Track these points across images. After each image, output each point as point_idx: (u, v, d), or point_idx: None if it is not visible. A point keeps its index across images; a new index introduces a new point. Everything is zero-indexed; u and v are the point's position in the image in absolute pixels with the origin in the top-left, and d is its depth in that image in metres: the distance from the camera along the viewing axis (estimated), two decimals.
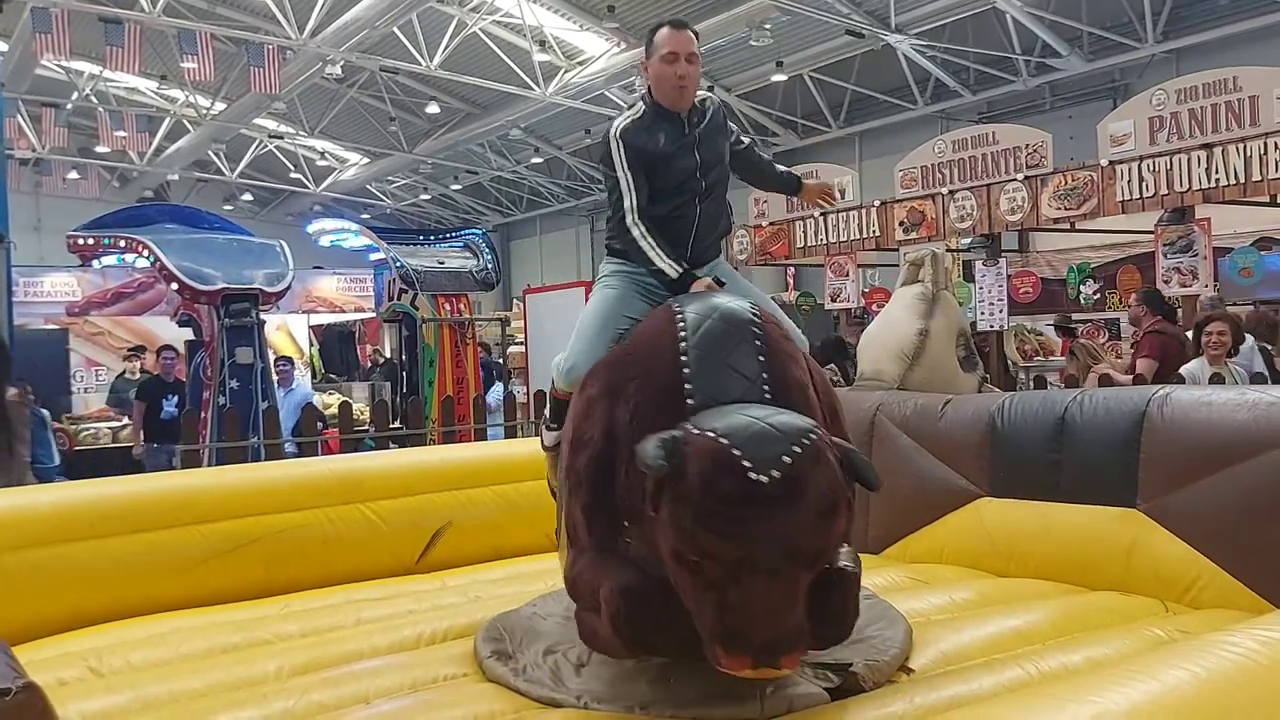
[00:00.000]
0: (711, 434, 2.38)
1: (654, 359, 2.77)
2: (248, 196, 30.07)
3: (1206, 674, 1.58)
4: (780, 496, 2.27)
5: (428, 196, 30.17)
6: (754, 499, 2.27)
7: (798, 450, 2.31)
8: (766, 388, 2.63)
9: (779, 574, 2.29)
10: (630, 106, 3.42)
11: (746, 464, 2.28)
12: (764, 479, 2.26)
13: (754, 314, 2.78)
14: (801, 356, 2.89)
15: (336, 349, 16.77)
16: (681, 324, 2.77)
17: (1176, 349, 6.95)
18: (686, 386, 2.63)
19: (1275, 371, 7.15)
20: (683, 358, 2.69)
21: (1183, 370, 6.61)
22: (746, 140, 3.74)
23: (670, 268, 3.19)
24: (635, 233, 3.21)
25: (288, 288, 9.52)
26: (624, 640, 2.62)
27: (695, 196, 3.30)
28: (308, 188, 27.85)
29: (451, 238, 10.65)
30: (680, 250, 3.26)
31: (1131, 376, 6.98)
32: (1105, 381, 6.83)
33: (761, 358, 2.67)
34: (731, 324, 2.74)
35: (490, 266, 10.32)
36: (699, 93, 3.40)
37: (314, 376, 16.11)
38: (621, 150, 3.23)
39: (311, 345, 17.73)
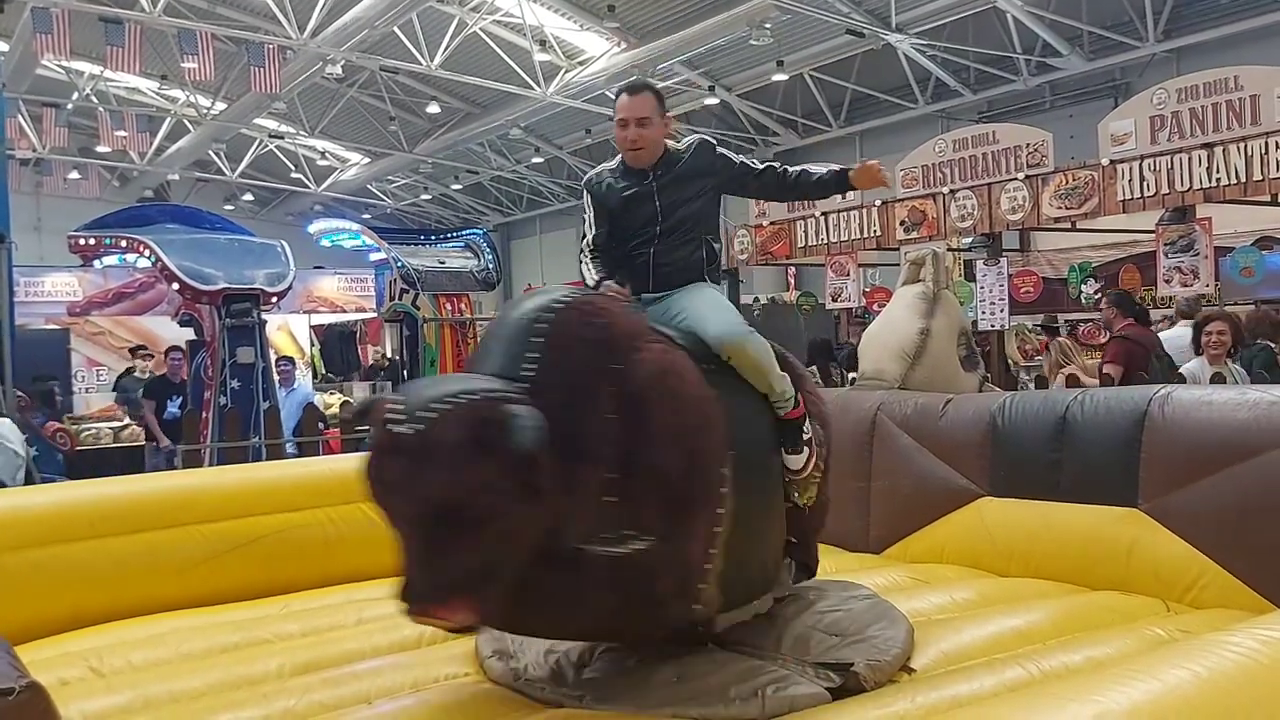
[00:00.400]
0: (395, 394, 2.59)
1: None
2: (248, 196, 30.08)
3: (1207, 674, 1.58)
4: (411, 447, 2.37)
5: (428, 196, 30.18)
6: (392, 448, 2.41)
7: (441, 407, 2.41)
8: (529, 366, 2.68)
9: (413, 524, 2.42)
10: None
11: (393, 417, 2.42)
12: (402, 430, 2.39)
13: (554, 303, 2.84)
14: (601, 346, 2.83)
15: (337, 349, 16.76)
16: (497, 317, 3.05)
17: (1142, 355, 6.95)
18: (467, 366, 2.91)
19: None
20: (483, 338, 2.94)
21: (1184, 369, 6.60)
22: (760, 166, 3.75)
23: (590, 277, 3.45)
24: (583, 262, 3.51)
25: (289, 288, 9.51)
26: None
27: (653, 239, 3.47)
28: (308, 188, 27.86)
29: (452, 238, 10.65)
30: (640, 283, 3.49)
31: (1097, 380, 7.00)
32: (1071, 382, 6.85)
33: (537, 339, 2.73)
34: (521, 311, 2.86)
35: (491, 266, 10.32)
36: (687, 139, 3.59)
37: (315, 376, 16.11)
38: (586, 196, 3.60)
39: (312, 345, 17.73)
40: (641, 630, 3.00)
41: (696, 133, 3.81)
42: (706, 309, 3.37)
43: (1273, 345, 7.51)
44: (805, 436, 3.39)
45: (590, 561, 2.64)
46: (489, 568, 2.47)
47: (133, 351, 13.60)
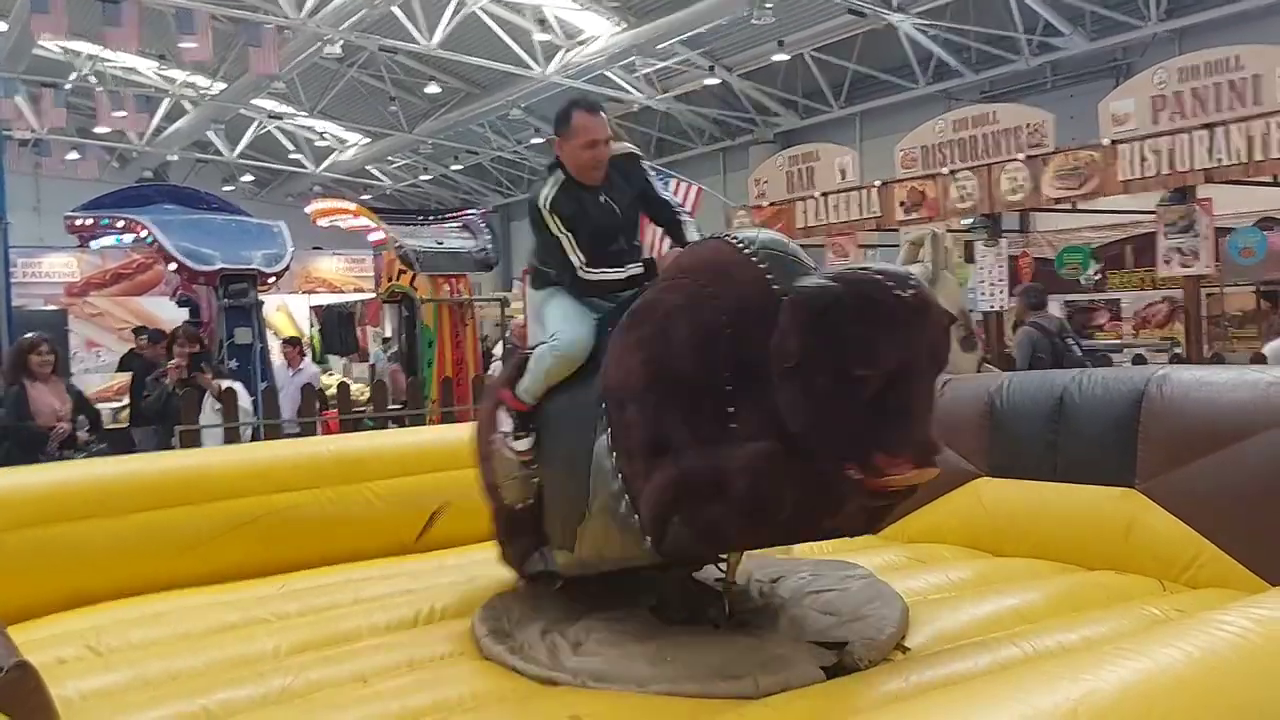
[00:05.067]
0: (853, 271, 2.79)
1: (725, 273, 3.03)
2: (247, 177, 29.99)
3: (1199, 652, 1.58)
4: (921, 310, 2.70)
5: (428, 177, 30.08)
6: (908, 314, 2.67)
7: (912, 282, 2.73)
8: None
9: (925, 377, 2.76)
10: (549, 176, 3.61)
11: (892, 287, 2.66)
12: (908, 296, 2.66)
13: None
14: None
15: (336, 330, 16.72)
16: (740, 243, 3.07)
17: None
18: (769, 277, 2.91)
19: None
20: (757, 263, 2.97)
21: (1265, 350, 6.56)
22: (663, 196, 3.81)
23: (634, 267, 3.49)
24: (593, 278, 3.48)
25: (286, 268, 9.50)
26: (759, 502, 2.79)
27: (626, 240, 3.61)
28: (307, 168, 27.77)
29: (450, 218, 10.61)
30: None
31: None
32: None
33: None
34: (771, 242, 3.07)
35: (489, 247, 10.29)
36: (619, 149, 3.63)
37: (314, 358, 16.09)
38: (555, 219, 3.51)
39: (312, 326, 17.71)
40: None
41: (633, 135, 3.93)
42: None
43: None
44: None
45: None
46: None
47: (136, 332, 13.58)
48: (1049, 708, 1.40)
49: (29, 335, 7.56)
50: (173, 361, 7.43)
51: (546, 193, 3.54)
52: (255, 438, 6.99)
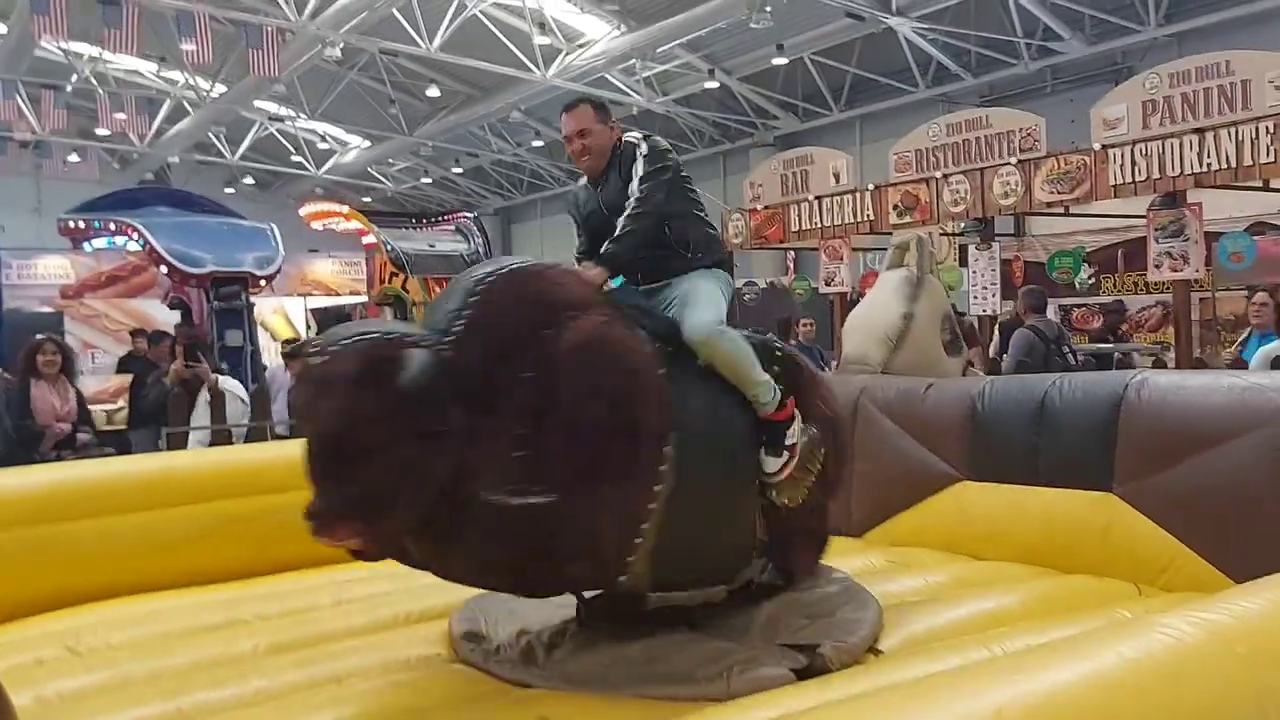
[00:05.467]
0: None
1: None
2: (248, 179, 30.04)
3: (1135, 654, 1.58)
4: (311, 375, 2.65)
5: (429, 180, 30.13)
6: (301, 377, 2.74)
7: (347, 343, 2.65)
8: (459, 323, 2.85)
9: (311, 446, 2.63)
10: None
11: (310, 351, 2.70)
12: (311, 362, 2.66)
13: (500, 269, 3.03)
14: (532, 311, 2.94)
15: None
16: None
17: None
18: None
19: None
20: None
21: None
22: (640, 191, 3.46)
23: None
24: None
25: (278, 271, 9.52)
26: None
27: (602, 241, 3.49)
28: (308, 171, 27.82)
29: (442, 221, 10.63)
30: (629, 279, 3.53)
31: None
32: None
33: (473, 298, 2.91)
34: (469, 274, 3.06)
35: (481, 249, 10.31)
36: (627, 137, 3.57)
37: None
38: (569, 213, 3.77)
39: (309, 328, 17.71)
40: (550, 587, 3.11)
41: (641, 130, 3.81)
42: (691, 302, 3.39)
43: None
44: (789, 441, 3.36)
45: (487, 509, 2.73)
46: (378, 498, 2.61)
47: (134, 334, 13.59)
48: (975, 710, 1.41)
49: (37, 336, 7.73)
50: (175, 364, 7.50)
51: (574, 187, 3.81)
52: (247, 439, 7.04)
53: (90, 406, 12.07)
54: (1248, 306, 6.81)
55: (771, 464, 3.34)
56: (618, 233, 3.34)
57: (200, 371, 7.32)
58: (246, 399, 7.27)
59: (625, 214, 3.37)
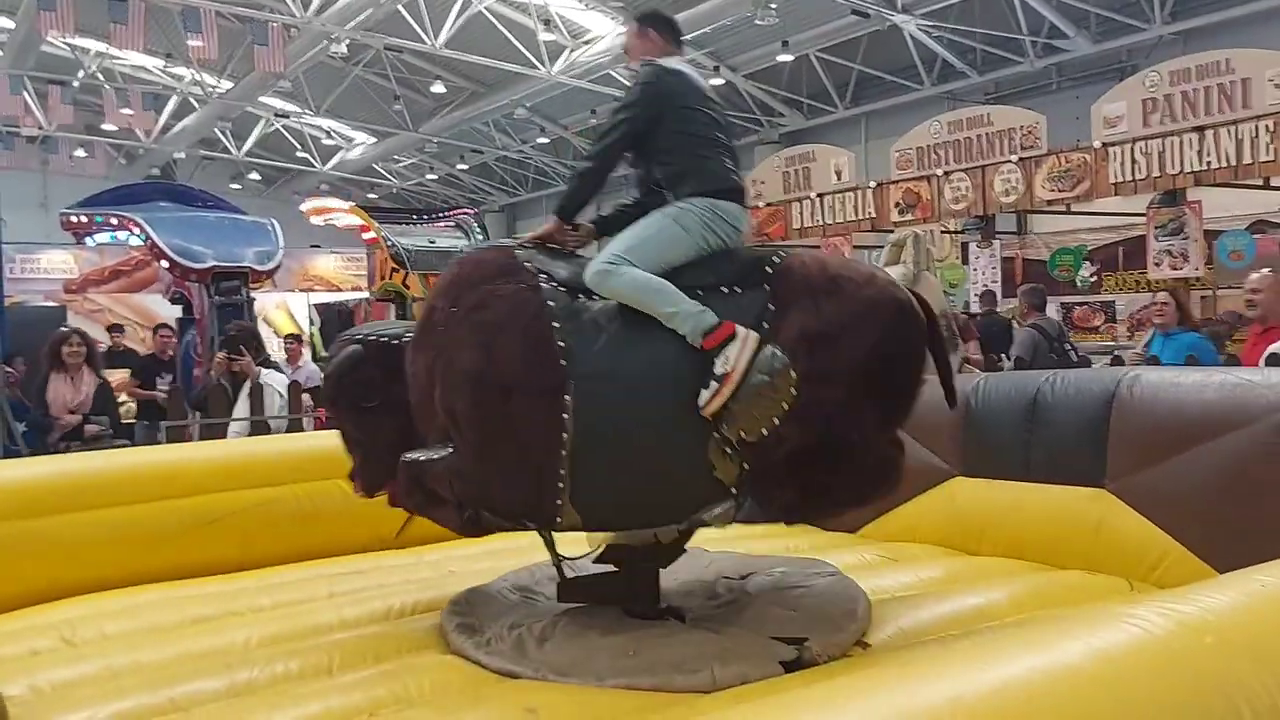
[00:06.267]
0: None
1: None
2: (254, 175, 30.10)
3: (1102, 645, 1.57)
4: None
5: (434, 176, 30.17)
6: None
7: (343, 342, 3.52)
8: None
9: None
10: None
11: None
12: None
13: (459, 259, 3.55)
14: (449, 292, 3.27)
15: (335, 328, 16.79)
16: None
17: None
18: None
19: None
20: None
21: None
22: (602, 141, 3.43)
23: None
24: None
25: (278, 266, 9.55)
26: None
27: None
28: (314, 167, 27.87)
29: (443, 217, 10.65)
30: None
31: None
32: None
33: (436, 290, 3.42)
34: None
35: (481, 246, 10.31)
36: (648, 64, 3.50)
37: (314, 356, 16.14)
38: None
39: (312, 324, 17.75)
40: (469, 526, 3.38)
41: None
42: (617, 244, 3.27)
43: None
44: (719, 370, 3.00)
45: (401, 468, 3.27)
46: (366, 460, 3.55)
47: (110, 330, 13.59)
48: (932, 697, 1.42)
49: (63, 329, 7.91)
50: (219, 356, 7.56)
51: None
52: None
53: None
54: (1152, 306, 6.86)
55: (701, 396, 3.01)
56: (566, 187, 3.49)
57: (244, 365, 7.40)
58: (284, 395, 7.32)
59: (596, 153, 3.40)
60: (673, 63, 3.52)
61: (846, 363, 3.03)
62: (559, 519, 3.12)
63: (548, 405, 3.01)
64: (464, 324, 3.12)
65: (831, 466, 3.08)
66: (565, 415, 3.00)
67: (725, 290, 3.18)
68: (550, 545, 3.45)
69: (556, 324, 3.08)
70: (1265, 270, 6.39)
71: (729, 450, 3.05)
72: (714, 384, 3.00)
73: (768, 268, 3.20)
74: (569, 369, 3.02)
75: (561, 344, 3.05)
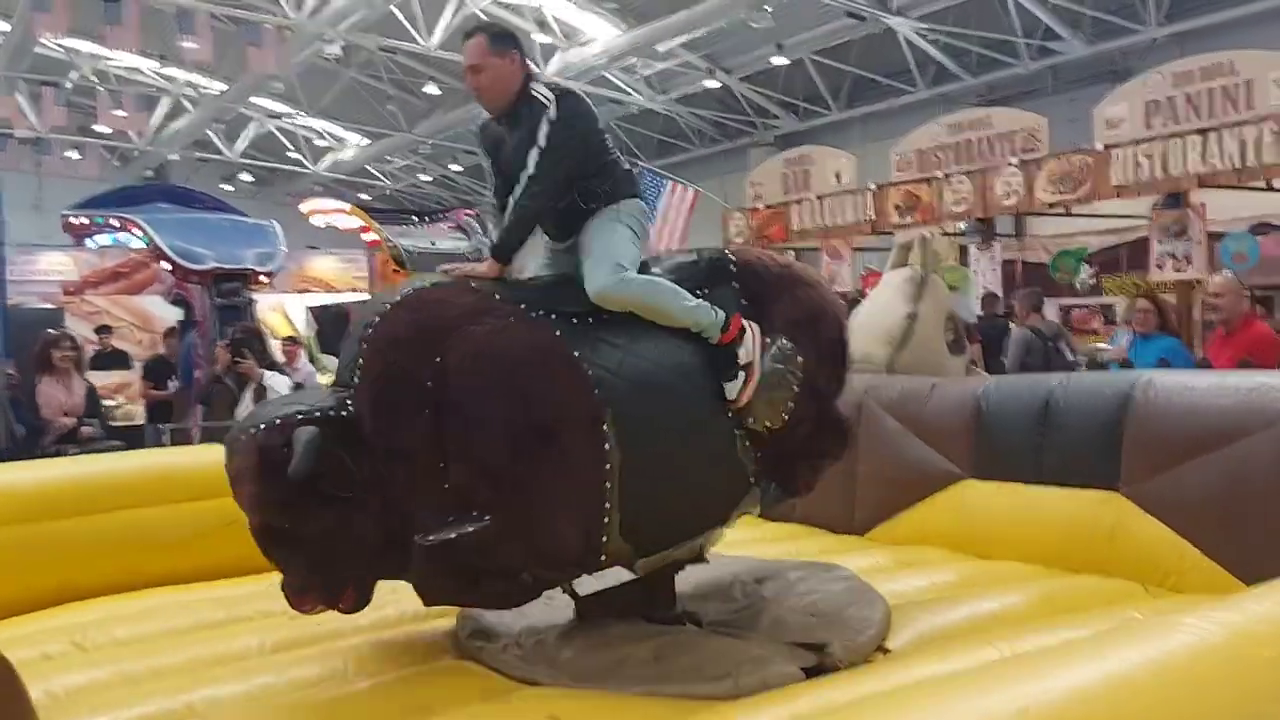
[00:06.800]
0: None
1: None
2: (247, 176, 30.01)
3: (1157, 654, 1.58)
4: (231, 473, 2.86)
5: (428, 178, 30.10)
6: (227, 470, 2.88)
7: (241, 436, 2.84)
8: (358, 374, 2.92)
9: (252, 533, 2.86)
10: None
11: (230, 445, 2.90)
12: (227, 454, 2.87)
13: (384, 305, 3.00)
14: (418, 343, 2.90)
15: (332, 330, 16.72)
16: None
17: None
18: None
19: None
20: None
21: None
22: (528, 166, 3.17)
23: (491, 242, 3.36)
24: (490, 220, 3.43)
25: (279, 267, 9.52)
26: None
27: (516, 184, 3.22)
28: (307, 168, 27.80)
29: (443, 218, 10.63)
30: (549, 232, 3.38)
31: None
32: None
33: (364, 345, 2.94)
34: (361, 317, 3.05)
35: (483, 247, 10.29)
36: (540, 91, 3.23)
37: (310, 358, 16.07)
38: (478, 143, 3.50)
39: (309, 326, 17.66)
40: (528, 594, 3.07)
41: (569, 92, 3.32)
42: (590, 260, 3.17)
43: None
44: (742, 361, 3.15)
45: (425, 552, 2.80)
46: (320, 565, 2.83)
47: (98, 331, 13.52)
48: (998, 708, 1.41)
49: (52, 331, 7.81)
50: (223, 357, 7.53)
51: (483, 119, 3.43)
52: None
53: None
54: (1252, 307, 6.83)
55: (730, 390, 3.14)
56: (506, 218, 3.19)
57: (246, 368, 7.37)
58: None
59: (519, 192, 3.14)
60: (563, 83, 3.43)
61: (824, 343, 3.37)
62: (604, 557, 3.00)
63: (589, 438, 2.90)
64: (472, 373, 2.84)
65: (827, 435, 3.42)
66: (607, 445, 2.91)
67: (698, 292, 3.24)
68: None
69: (576, 352, 2.97)
70: (1226, 274, 6.43)
71: (747, 442, 3.20)
72: (740, 375, 3.13)
73: (730, 266, 3.38)
74: (601, 395, 2.94)
75: (589, 371, 2.96)
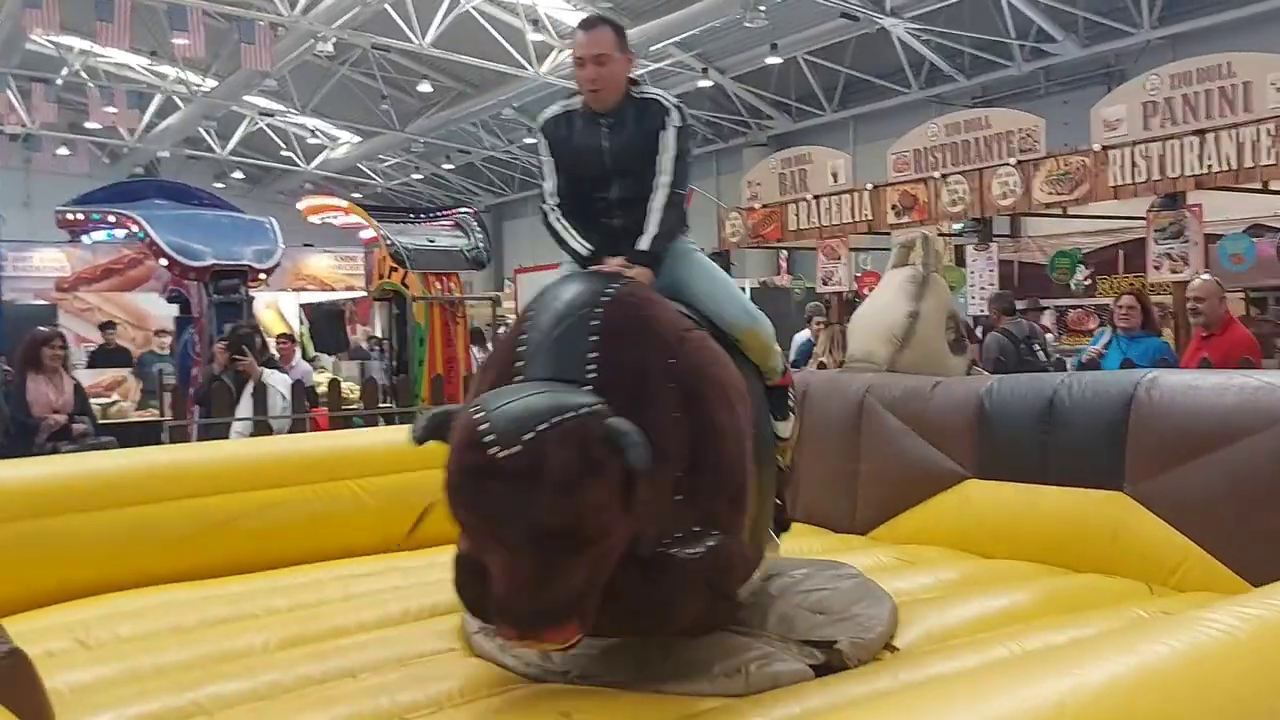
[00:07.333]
0: (474, 409, 2.46)
1: (506, 340, 2.92)
2: (238, 174, 29.94)
3: (1186, 649, 1.59)
4: (518, 471, 2.31)
5: (420, 176, 30.08)
6: (492, 472, 2.34)
7: (544, 427, 2.34)
8: (591, 368, 2.62)
9: (522, 548, 2.37)
10: (569, 96, 3.37)
11: (489, 439, 2.35)
12: (502, 453, 2.32)
13: (601, 296, 2.77)
14: (657, 341, 2.78)
15: (326, 328, 16.72)
16: (532, 308, 2.86)
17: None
18: (517, 364, 2.71)
19: None
20: (521, 336, 2.78)
21: None
22: (667, 174, 3.23)
23: (580, 247, 3.23)
24: (549, 217, 3.32)
25: (277, 264, 9.50)
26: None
27: (611, 199, 3.24)
28: (299, 166, 27.74)
29: (442, 216, 10.61)
30: (608, 246, 3.20)
31: None
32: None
33: (594, 338, 2.67)
34: (568, 305, 2.76)
35: (481, 245, 10.28)
36: (654, 93, 3.30)
37: (304, 355, 16.06)
38: (541, 140, 3.36)
39: (302, 324, 17.66)
40: (714, 624, 2.94)
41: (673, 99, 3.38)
42: (714, 289, 3.30)
43: None
44: (791, 404, 3.46)
45: (672, 565, 2.59)
46: (593, 584, 2.46)
47: (102, 328, 13.50)
48: (1036, 701, 1.41)
49: (43, 329, 7.76)
50: (221, 355, 7.51)
51: (555, 107, 3.37)
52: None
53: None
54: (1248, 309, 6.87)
55: (784, 428, 3.41)
56: (655, 227, 3.10)
57: (245, 366, 7.36)
58: (287, 395, 7.29)
59: (657, 200, 3.12)
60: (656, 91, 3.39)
61: None
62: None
63: (748, 446, 2.95)
64: (712, 381, 2.79)
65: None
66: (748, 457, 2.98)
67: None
68: None
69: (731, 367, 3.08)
70: (1205, 277, 6.45)
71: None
72: (791, 416, 3.44)
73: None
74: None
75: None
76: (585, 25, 3.26)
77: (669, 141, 3.15)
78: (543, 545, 2.36)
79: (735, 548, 2.73)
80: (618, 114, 3.21)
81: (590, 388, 2.56)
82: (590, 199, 3.25)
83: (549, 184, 3.32)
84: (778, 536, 3.67)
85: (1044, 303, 11.40)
